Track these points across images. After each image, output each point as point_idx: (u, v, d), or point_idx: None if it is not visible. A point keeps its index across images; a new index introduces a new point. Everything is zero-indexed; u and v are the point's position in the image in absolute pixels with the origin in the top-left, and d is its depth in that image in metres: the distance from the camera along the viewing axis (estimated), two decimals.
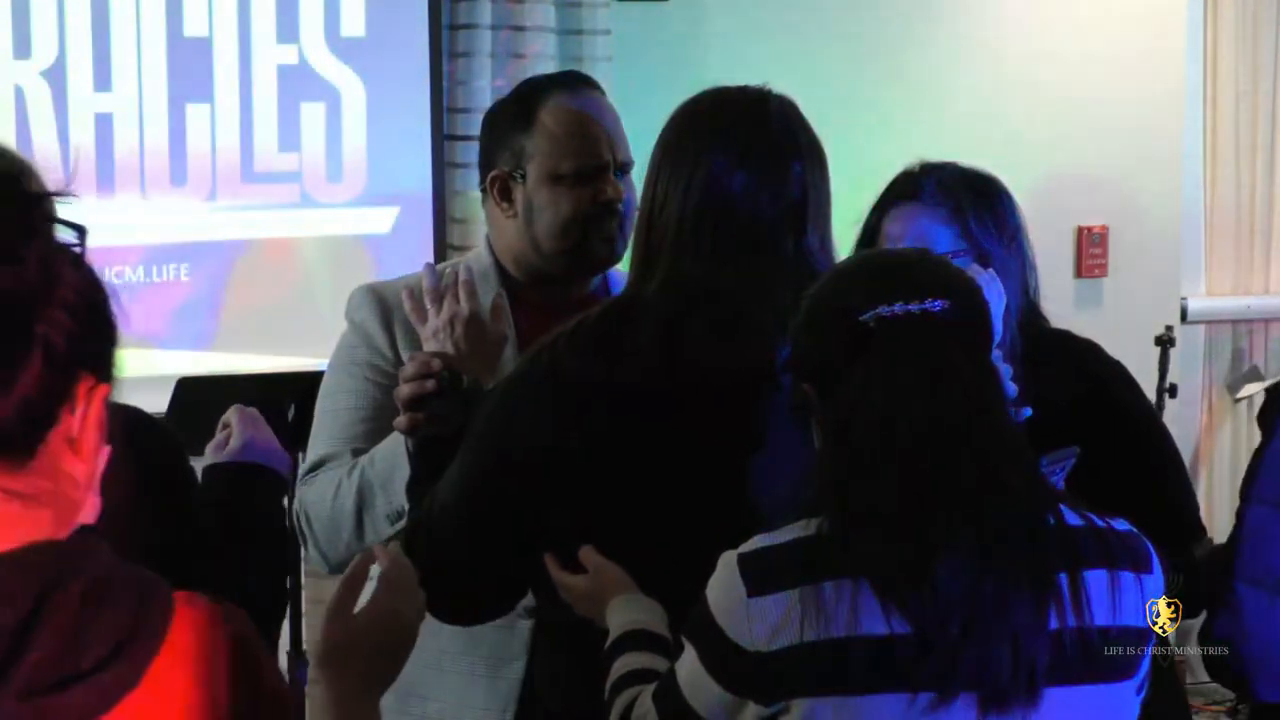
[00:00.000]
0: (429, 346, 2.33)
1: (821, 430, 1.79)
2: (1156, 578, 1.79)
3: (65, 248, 1.27)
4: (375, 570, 1.83)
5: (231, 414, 2.34)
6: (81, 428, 1.24)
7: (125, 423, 1.96)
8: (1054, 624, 1.70)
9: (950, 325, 1.75)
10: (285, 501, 2.29)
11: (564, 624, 2.03)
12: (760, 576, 1.70)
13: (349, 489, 2.43)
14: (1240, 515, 2.43)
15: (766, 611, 1.68)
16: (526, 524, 2.00)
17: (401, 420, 2.26)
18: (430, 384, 2.23)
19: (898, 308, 1.74)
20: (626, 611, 1.91)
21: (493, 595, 2.12)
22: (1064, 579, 1.71)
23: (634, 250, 2.08)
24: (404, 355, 2.48)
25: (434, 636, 2.42)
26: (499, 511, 2.02)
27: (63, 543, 1.22)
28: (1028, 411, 2.26)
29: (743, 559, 1.72)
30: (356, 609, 1.74)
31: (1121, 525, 1.80)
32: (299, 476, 2.56)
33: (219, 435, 2.33)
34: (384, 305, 2.53)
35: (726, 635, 1.70)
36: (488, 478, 2.02)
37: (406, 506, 2.33)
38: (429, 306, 2.35)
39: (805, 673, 1.68)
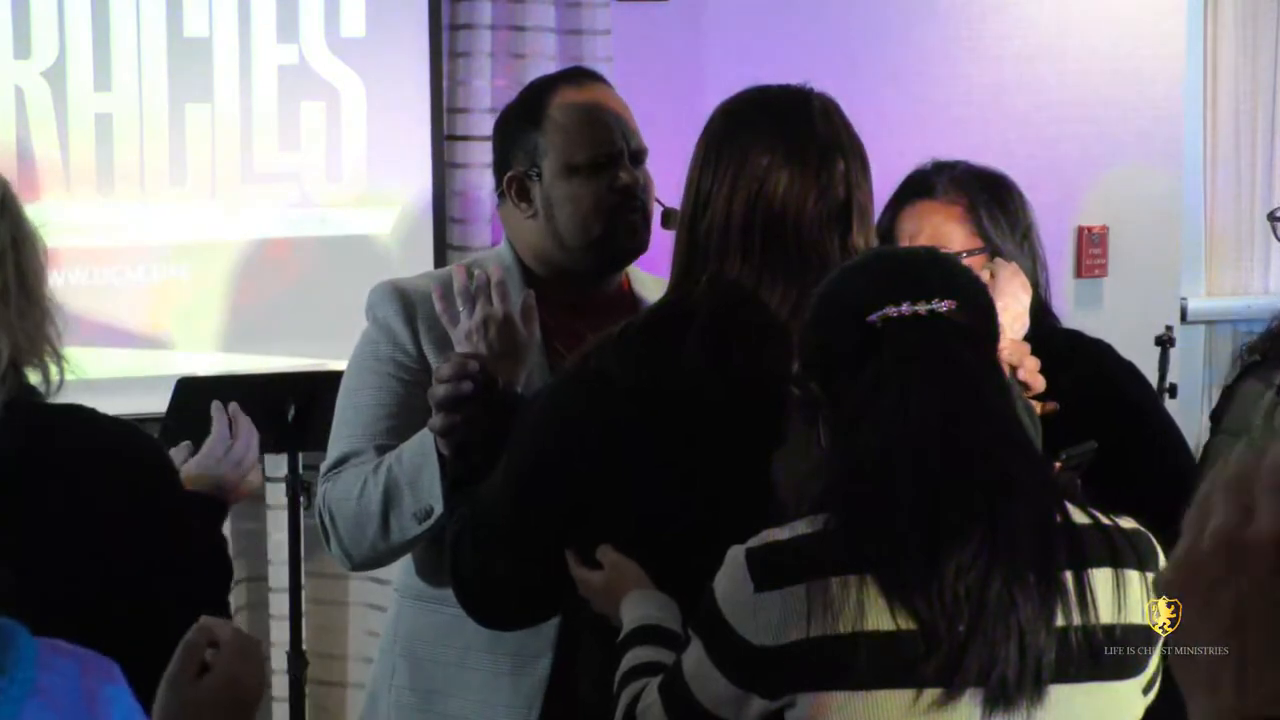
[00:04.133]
0: (461, 348, 2.31)
1: (829, 428, 1.80)
2: None
3: None
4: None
5: (214, 418, 2.32)
6: None
7: (112, 435, 1.93)
8: (1060, 622, 1.70)
9: (957, 325, 1.75)
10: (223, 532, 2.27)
11: (602, 620, 2.03)
12: (767, 572, 1.70)
13: (375, 487, 2.42)
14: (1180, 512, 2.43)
15: (773, 606, 1.69)
16: (572, 527, 2.01)
17: (437, 421, 2.25)
18: (467, 386, 2.23)
19: (905, 308, 1.74)
20: (640, 606, 1.91)
21: (539, 599, 2.13)
22: (1069, 577, 1.71)
23: (676, 252, 2.07)
24: (427, 352, 2.47)
25: (457, 634, 2.42)
26: (546, 515, 2.02)
27: None
28: (1053, 406, 2.27)
29: (750, 554, 1.72)
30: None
31: (1128, 523, 1.81)
32: (320, 473, 2.55)
33: (181, 448, 2.31)
34: (407, 302, 2.52)
35: (733, 629, 1.71)
36: (535, 482, 2.02)
37: (434, 505, 2.33)
38: (461, 308, 2.34)
39: (811, 668, 1.69)
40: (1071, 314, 4.30)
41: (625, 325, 2.04)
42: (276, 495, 3.98)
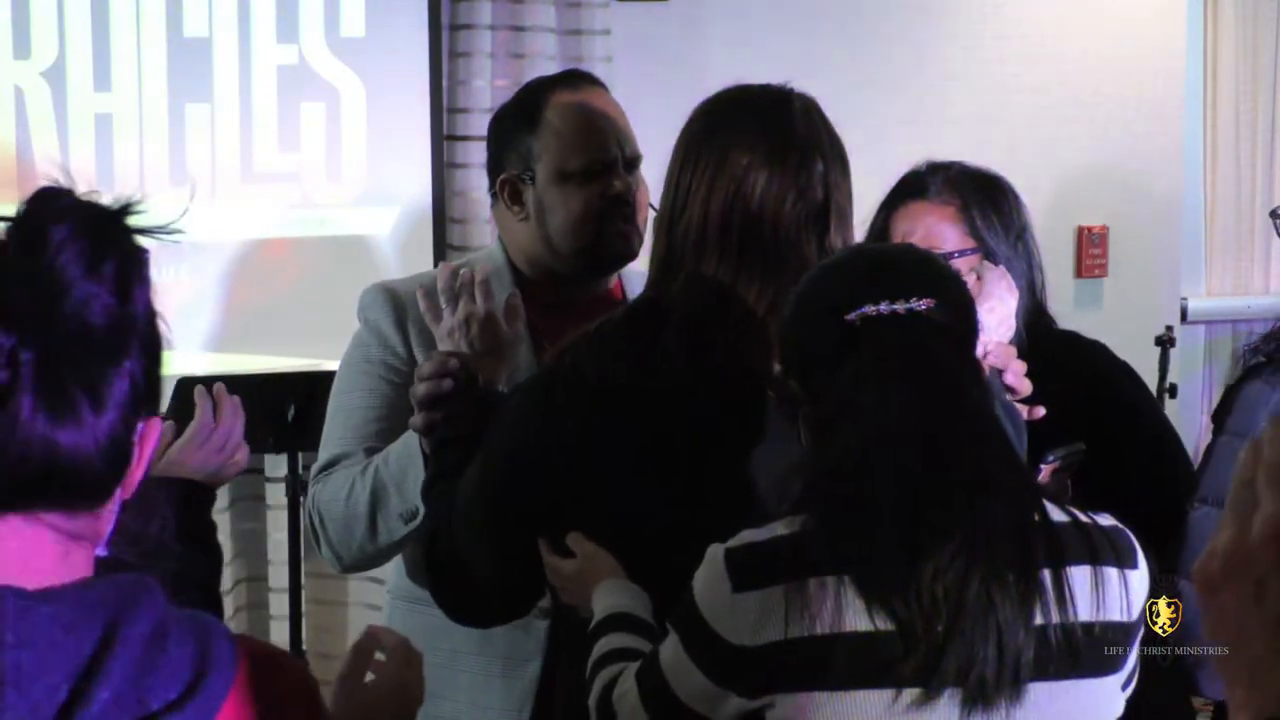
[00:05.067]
0: (444, 346, 2.31)
1: (808, 427, 1.80)
2: (1141, 573, 1.80)
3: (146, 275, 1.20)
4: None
5: (197, 404, 2.31)
6: (136, 466, 1.20)
7: None
8: (1038, 620, 1.70)
9: (936, 324, 1.75)
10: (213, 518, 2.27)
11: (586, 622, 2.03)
12: (746, 572, 1.70)
13: (362, 489, 2.42)
14: (1185, 515, 2.44)
15: (751, 607, 1.69)
16: (547, 523, 2.00)
17: (417, 420, 2.25)
18: (447, 384, 2.22)
19: (883, 307, 1.74)
20: (612, 595, 1.91)
21: (515, 596, 2.12)
22: (1047, 575, 1.71)
23: (654, 250, 2.07)
24: (417, 354, 2.47)
25: (449, 637, 2.42)
26: (521, 512, 2.02)
27: (123, 580, 1.17)
28: (1041, 411, 2.27)
29: (729, 554, 1.72)
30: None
31: (1106, 521, 1.81)
32: (311, 475, 2.55)
33: (164, 429, 2.30)
34: (397, 304, 2.52)
35: (712, 628, 1.71)
36: (510, 479, 2.02)
37: (420, 506, 2.32)
38: (444, 306, 2.34)
39: (789, 669, 1.68)
40: (1071, 314, 4.29)
41: (602, 322, 2.03)
42: (276, 495, 3.98)
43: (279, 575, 4.00)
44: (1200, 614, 1.00)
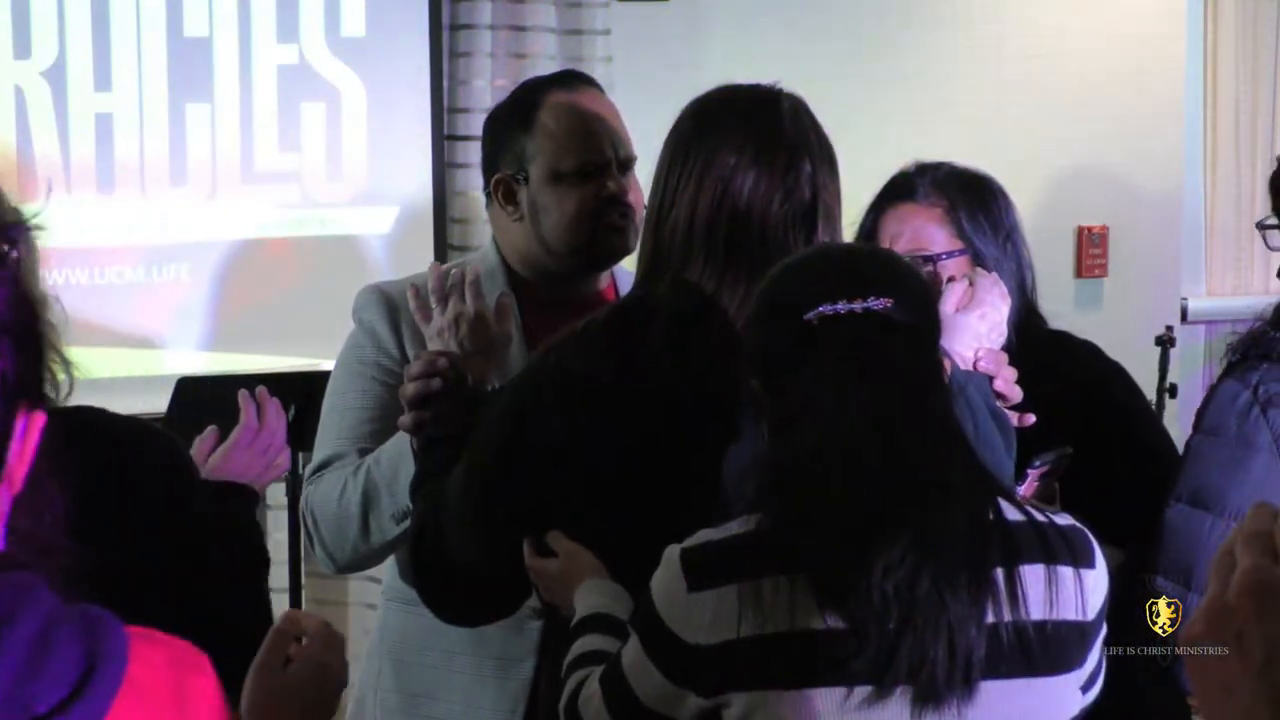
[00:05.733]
0: (433, 345, 2.32)
1: (769, 426, 1.80)
2: (1099, 573, 1.79)
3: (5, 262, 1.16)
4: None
5: (242, 407, 2.34)
6: (18, 461, 1.17)
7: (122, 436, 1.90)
8: (990, 618, 1.70)
9: (894, 324, 1.75)
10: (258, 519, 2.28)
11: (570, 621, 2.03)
12: (701, 571, 1.71)
13: (354, 489, 2.43)
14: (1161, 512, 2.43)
15: (706, 607, 1.70)
16: (532, 522, 2.01)
17: (406, 419, 2.26)
18: (436, 383, 2.23)
19: (840, 306, 1.74)
20: (592, 595, 1.91)
21: (500, 594, 2.12)
22: (1000, 574, 1.71)
23: (642, 249, 2.07)
24: (411, 355, 2.47)
25: (443, 637, 2.42)
26: (509, 511, 2.02)
27: (6, 580, 1.13)
28: (1031, 419, 2.26)
29: (685, 553, 1.73)
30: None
31: (1064, 520, 1.80)
32: (305, 476, 2.55)
33: (207, 433, 2.32)
34: (391, 305, 2.52)
35: (669, 627, 1.72)
36: (494, 476, 2.02)
37: (411, 507, 2.33)
38: (434, 306, 2.34)
39: (744, 667, 1.69)
40: (1071, 314, 4.29)
41: (588, 321, 2.03)
42: (276, 495, 3.98)
43: (279, 575, 3.98)
44: (1188, 678, 1.06)
